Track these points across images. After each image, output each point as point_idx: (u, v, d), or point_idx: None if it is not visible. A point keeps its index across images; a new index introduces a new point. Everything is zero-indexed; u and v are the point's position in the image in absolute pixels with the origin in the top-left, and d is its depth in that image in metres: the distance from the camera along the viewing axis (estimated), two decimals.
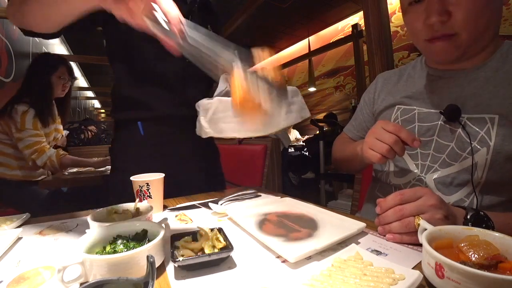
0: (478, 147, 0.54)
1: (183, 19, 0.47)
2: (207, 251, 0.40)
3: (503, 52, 0.57)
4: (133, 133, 0.84)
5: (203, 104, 0.72)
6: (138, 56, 0.79)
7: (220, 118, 0.70)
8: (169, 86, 0.84)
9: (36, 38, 3.30)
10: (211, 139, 1.02)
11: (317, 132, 2.49)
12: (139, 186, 0.66)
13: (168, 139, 0.87)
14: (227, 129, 0.69)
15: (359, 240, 0.48)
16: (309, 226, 0.53)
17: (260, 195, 0.81)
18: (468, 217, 0.45)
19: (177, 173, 0.84)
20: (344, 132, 0.91)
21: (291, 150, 4.05)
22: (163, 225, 0.45)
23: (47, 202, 1.68)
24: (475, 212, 0.46)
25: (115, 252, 0.39)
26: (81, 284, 0.36)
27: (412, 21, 0.59)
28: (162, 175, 0.70)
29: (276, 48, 5.88)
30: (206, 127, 0.72)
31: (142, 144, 0.85)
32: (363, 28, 3.30)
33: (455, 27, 0.53)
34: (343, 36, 4.30)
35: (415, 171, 0.64)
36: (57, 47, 4.60)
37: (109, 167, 1.85)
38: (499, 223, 0.45)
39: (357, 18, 4.48)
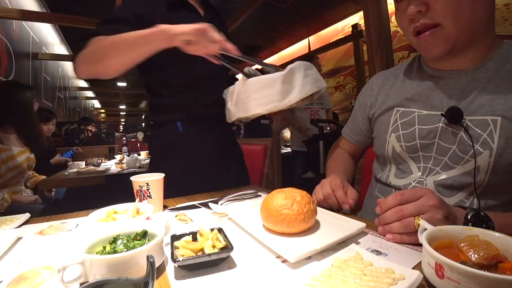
0: (481, 149, 0.53)
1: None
2: (207, 251, 0.40)
3: (503, 52, 0.56)
4: (172, 132, 0.94)
5: (229, 90, 0.85)
6: (173, 68, 0.90)
7: (244, 98, 0.80)
8: (201, 89, 0.94)
9: (35, 38, 3.30)
10: (233, 138, 1.15)
11: (317, 132, 2.48)
12: (139, 186, 0.66)
13: (200, 137, 0.96)
14: (251, 106, 0.78)
15: (359, 240, 0.48)
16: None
17: (260, 195, 0.81)
18: (469, 217, 0.45)
19: (205, 169, 0.96)
20: (342, 136, 0.90)
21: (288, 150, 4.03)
22: (163, 225, 0.45)
23: (47, 202, 1.68)
24: (475, 212, 0.45)
25: (115, 252, 0.39)
26: (81, 284, 0.36)
27: (399, 18, 0.60)
28: (162, 175, 0.70)
29: (276, 48, 5.87)
30: (234, 110, 0.83)
31: (180, 142, 0.94)
32: (363, 28, 3.30)
33: (435, 17, 0.53)
34: (343, 36, 4.29)
35: (417, 173, 0.63)
36: (57, 47, 4.60)
37: (110, 165, 1.85)
38: (499, 223, 0.45)
39: (357, 18, 4.47)
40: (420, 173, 0.63)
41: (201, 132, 0.95)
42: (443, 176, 0.59)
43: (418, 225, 0.43)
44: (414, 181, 0.63)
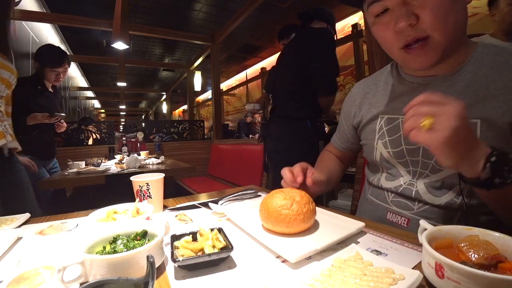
0: None
1: None
2: (207, 251, 0.40)
3: (478, 56, 0.56)
4: (303, 126, 1.50)
5: None
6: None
7: None
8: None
9: (35, 38, 3.30)
10: None
11: None
12: (139, 186, 0.66)
13: (318, 132, 1.58)
14: None
15: (358, 240, 0.48)
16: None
17: (260, 195, 0.81)
18: (492, 160, 0.41)
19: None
20: (330, 143, 0.91)
21: None
22: (163, 225, 0.45)
23: (47, 202, 1.67)
24: (502, 153, 0.41)
25: (115, 252, 0.39)
26: (81, 284, 0.36)
27: (381, 32, 0.58)
28: (162, 175, 0.70)
29: (276, 48, 5.87)
30: None
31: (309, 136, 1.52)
32: (363, 28, 3.30)
33: (426, 29, 0.51)
34: (343, 36, 4.30)
35: (407, 176, 0.64)
36: None
37: (110, 165, 1.84)
38: None
39: (357, 18, 4.47)
40: (410, 176, 0.63)
41: (317, 130, 1.55)
42: (433, 178, 0.59)
43: (425, 125, 0.40)
44: (404, 183, 0.63)
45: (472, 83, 0.54)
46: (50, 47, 1.90)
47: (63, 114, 1.77)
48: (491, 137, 0.51)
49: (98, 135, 3.09)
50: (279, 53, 1.77)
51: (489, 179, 0.42)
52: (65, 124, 1.95)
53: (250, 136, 5.42)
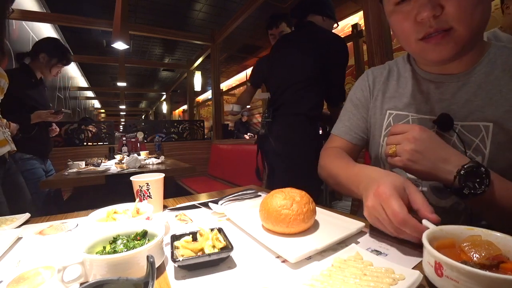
0: (473, 155, 0.53)
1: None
2: (207, 251, 0.40)
3: (491, 57, 0.55)
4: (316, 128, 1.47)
5: None
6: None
7: None
8: None
9: (35, 38, 3.30)
10: None
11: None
12: (139, 186, 0.66)
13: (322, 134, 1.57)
14: None
15: (358, 240, 0.48)
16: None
17: (260, 195, 0.81)
18: (466, 166, 0.44)
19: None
20: (335, 136, 0.80)
21: None
22: (163, 225, 0.45)
23: (47, 202, 1.67)
24: (475, 165, 0.44)
25: (115, 252, 0.39)
26: (81, 284, 0.36)
27: (400, 21, 0.55)
28: (162, 175, 0.70)
29: None
30: None
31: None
32: (363, 28, 3.30)
33: (449, 21, 0.48)
34: (343, 36, 4.31)
35: (412, 176, 0.63)
36: None
37: (110, 165, 1.84)
38: (500, 189, 0.44)
39: (357, 18, 4.47)
40: (415, 177, 0.63)
41: (324, 131, 1.57)
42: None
43: (392, 153, 0.52)
44: None
45: (484, 84, 0.54)
46: (59, 43, 1.87)
47: (69, 111, 1.75)
48: (502, 142, 0.51)
49: (93, 131, 3.08)
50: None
51: (459, 190, 0.45)
52: (58, 129, 2.01)
53: (249, 134, 5.41)
